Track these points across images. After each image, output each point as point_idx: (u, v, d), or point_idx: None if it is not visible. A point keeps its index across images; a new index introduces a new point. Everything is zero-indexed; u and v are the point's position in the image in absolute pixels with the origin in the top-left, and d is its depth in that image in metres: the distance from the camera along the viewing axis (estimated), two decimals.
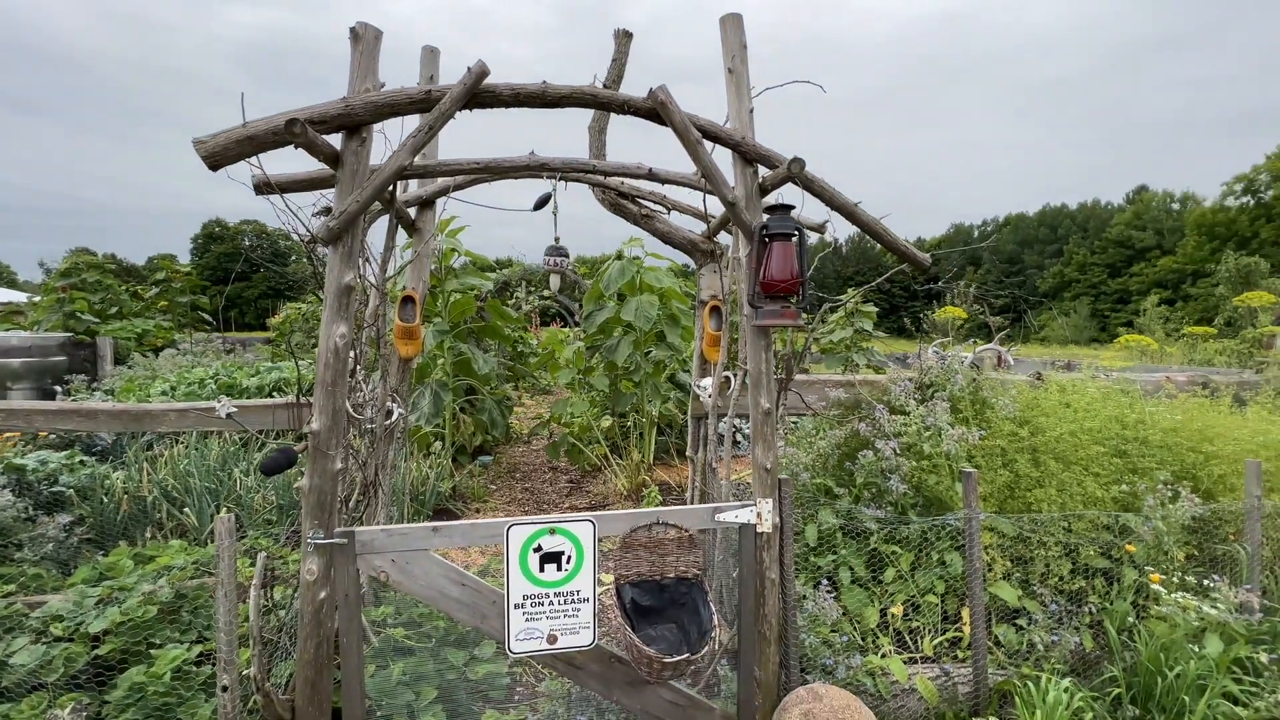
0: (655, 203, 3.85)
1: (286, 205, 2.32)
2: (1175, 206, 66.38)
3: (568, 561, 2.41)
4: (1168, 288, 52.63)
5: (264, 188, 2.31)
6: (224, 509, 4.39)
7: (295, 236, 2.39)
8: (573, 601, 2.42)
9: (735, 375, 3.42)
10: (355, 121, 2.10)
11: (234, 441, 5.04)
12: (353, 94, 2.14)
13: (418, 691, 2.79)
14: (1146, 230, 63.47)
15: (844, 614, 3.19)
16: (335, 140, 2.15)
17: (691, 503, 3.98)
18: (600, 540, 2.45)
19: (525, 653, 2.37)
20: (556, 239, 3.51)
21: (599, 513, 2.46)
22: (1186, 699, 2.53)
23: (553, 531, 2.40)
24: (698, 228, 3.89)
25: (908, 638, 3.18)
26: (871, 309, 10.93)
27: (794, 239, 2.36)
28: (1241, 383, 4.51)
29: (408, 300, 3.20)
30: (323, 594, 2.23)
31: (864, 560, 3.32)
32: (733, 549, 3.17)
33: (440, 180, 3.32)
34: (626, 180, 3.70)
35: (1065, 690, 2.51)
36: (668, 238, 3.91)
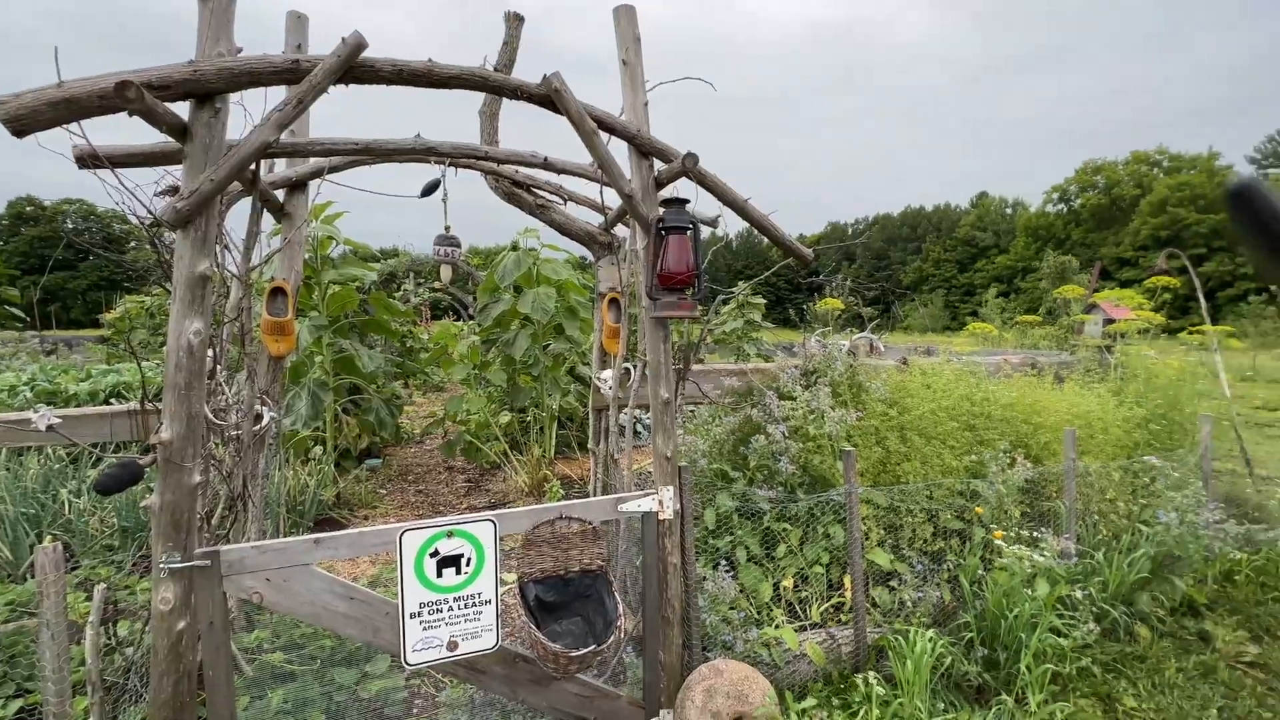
0: (551, 193, 3.78)
1: (121, 183, 2.00)
2: (1009, 211, 76.29)
3: (468, 564, 2.32)
4: (1004, 282, 60.56)
5: (90, 160, 1.98)
6: (47, 537, 3.75)
7: (134, 219, 2.07)
8: (474, 605, 2.34)
9: (635, 367, 3.46)
10: (207, 89, 1.85)
11: (59, 458, 4.32)
12: (203, 57, 1.89)
13: (302, 718, 2.57)
14: (987, 231, 72.49)
15: (741, 591, 3.36)
16: (182, 110, 1.88)
17: (594, 495, 3.99)
18: (501, 539, 2.39)
19: (424, 663, 2.26)
20: (447, 227, 3.34)
21: (500, 511, 2.40)
22: (1022, 635, 2.94)
23: (450, 534, 2.30)
24: (595, 219, 3.88)
25: (798, 608, 3.41)
26: (760, 301, 11.54)
27: (689, 233, 2.42)
28: (1060, 363, 5.30)
29: (277, 292, 2.91)
30: (181, 624, 1.98)
31: (759, 539, 3.51)
32: (636, 538, 3.23)
33: (313, 161, 3.04)
34: (521, 169, 3.62)
35: (929, 640, 2.82)
36: (564, 229, 3.86)
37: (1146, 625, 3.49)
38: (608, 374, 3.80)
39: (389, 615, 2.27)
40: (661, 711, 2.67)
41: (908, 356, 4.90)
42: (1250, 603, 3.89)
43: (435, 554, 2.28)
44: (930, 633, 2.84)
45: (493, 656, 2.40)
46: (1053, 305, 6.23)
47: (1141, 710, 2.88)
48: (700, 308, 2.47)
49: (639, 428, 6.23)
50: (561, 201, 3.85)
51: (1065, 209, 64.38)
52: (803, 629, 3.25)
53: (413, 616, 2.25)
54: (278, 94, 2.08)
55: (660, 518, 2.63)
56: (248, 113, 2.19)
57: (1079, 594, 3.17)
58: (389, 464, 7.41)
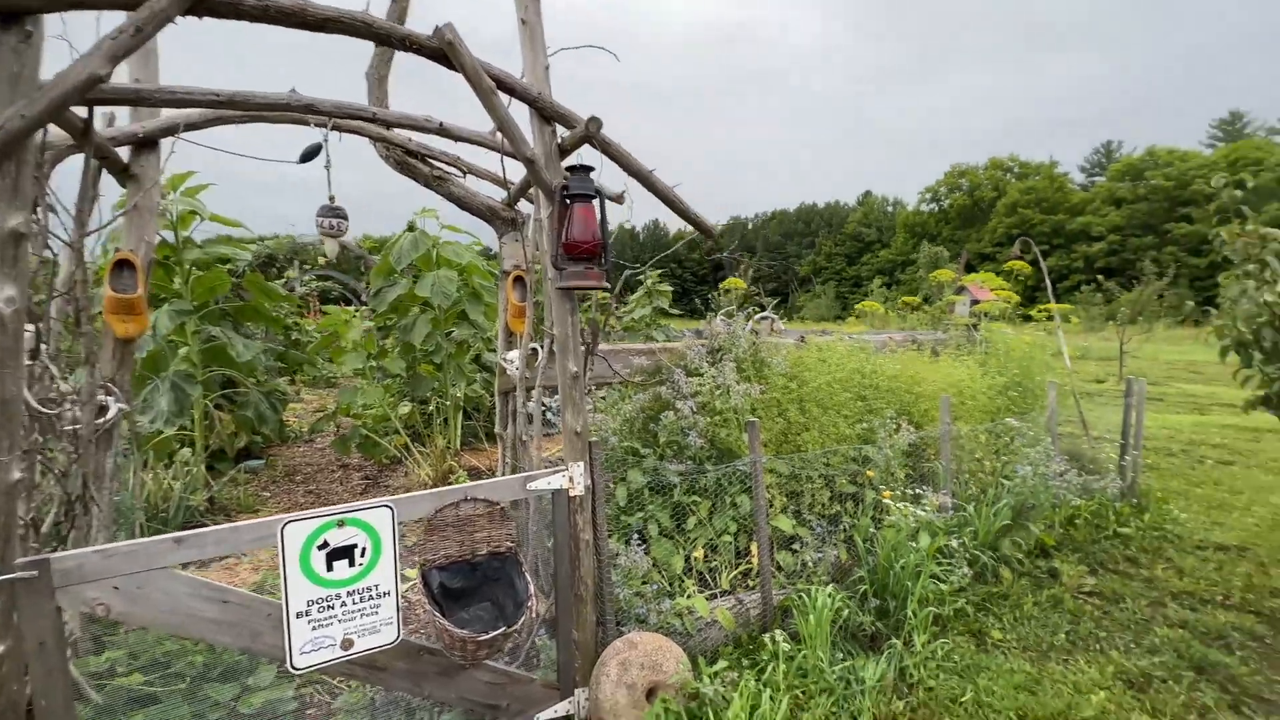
0: (448, 164, 3.58)
1: None
2: (890, 209, 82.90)
3: (362, 555, 2.15)
4: (886, 274, 65.84)
5: None
6: None
7: None
8: (371, 598, 2.17)
9: (542, 346, 3.37)
10: (12, 5, 1.55)
11: None
12: None
13: None
14: (872, 227, 78.38)
15: (654, 565, 3.40)
16: None
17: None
18: (402, 526, 2.24)
19: (313, 666, 2.07)
20: (331, 198, 3.06)
21: (399, 496, 2.24)
22: (908, 584, 3.20)
23: (342, 524, 2.12)
24: (499, 195, 3.72)
25: (709, 577, 3.50)
26: (667, 288, 11.71)
27: (595, 201, 2.37)
28: (936, 340, 5.84)
29: (124, 265, 2.53)
30: None
31: (669, 513, 3.56)
32: (548, 520, 3.15)
33: (165, 114, 2.67)
34: (415, 137, 3.39)
35: (828, 595, 2.99)
36: (464, 203, 3.68)
37: (1008, 567, 3.93)
38: (514, 354, 3.68)
39: (272, 617, 2.06)
40: (576, 690, 2.63)
41: (805, 336, 5.16)
42: (1088, 542, 4.50)
43: (324, 546, 2.10)
44: (829, 589, 3.02)
45: (394, 652, 2.25)
46: (929, 291, 6.84)
47: (1006, 641, 3.24)
48: (607, 281, 2.43)
49: (548, 415, 6.11)
50: (461, 174, 3.65)
51: (937, 208, 71.07)
52: (713, 597, 3.34)
53: (300, 616, 2.05)
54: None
55: (571, 494, 2.58)
56: (75, 50, 1.87)
57: (954, 543, 3.51)
58: (274, 465, 6.76)
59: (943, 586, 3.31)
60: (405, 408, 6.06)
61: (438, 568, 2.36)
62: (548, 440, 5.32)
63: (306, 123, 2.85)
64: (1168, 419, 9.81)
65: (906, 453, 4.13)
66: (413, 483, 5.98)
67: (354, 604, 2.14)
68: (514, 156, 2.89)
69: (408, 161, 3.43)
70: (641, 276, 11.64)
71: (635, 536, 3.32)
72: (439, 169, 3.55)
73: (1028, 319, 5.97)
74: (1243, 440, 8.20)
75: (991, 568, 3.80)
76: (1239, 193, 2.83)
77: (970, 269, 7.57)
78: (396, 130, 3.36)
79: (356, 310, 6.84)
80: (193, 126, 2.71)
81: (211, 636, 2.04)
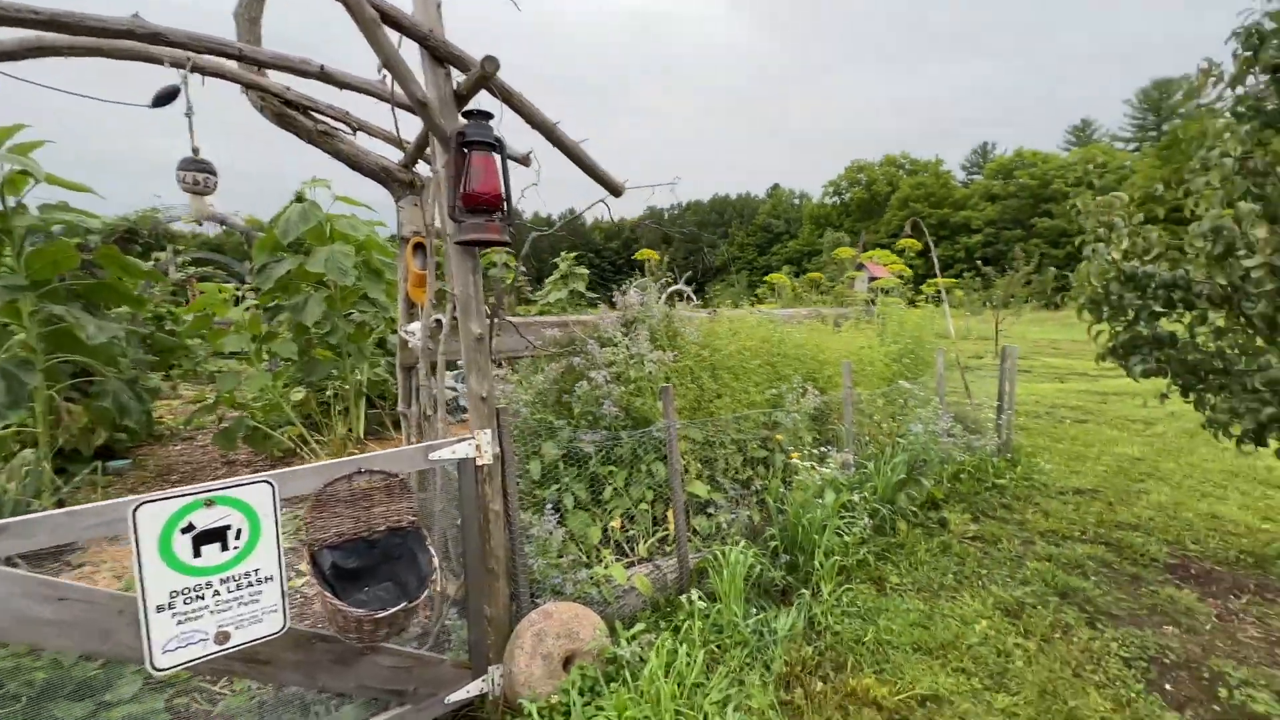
0: (336, 118, 3.29)
1: None
2: (797, 202, 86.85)
3: (237, 538, 1.94)
4: (795, 264, 69.06)
5: None
6: None
7: None
8: (250, 584, 1.96)
9: (446, 317, 3.19)
10: None
11: None
12: None
13: None
14: (780, 219, 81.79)
15: (570, 538, 3.33)
16: None
17: None
18: (290, 503, 2.03)
19: (180, 665, 1.83)
20: (195, 150, 2.72)
21: (280, 470, 2.03)
22: (815, 539, 3.35)
23: (210, 503, 1.89)
24: (395, 157, 3.47)
25: (626, 546, 3.48)
26: (584, 271, 11.59)
27: (495, 151, 2.25)
28: (839, 314, 6.16)
29: None
30: None
31: (585, 484, 3.50)
32: (456, 495, 3.00)
33: None
34: (296, 84, 3.08)
35: (741, 553, 3.06)
36: (355, 163, 3.39)
37: (904, 519, 4.22)
38: (415, 326, 3.47)
39: (125, 614, 1.80)
40: (490, 668, 2.53)
41: (717, 310, 5.25)
42: (971, 493, 4.92)
43: (190, 529, 1.86)
44: (741, 544, 3.09)
45: (281, 642, 2.04)
46: (833, 273, 7.22)
47: (903, 585, 3.47)
48: (509, 238, 2.31)
49: (459, 398, 5.87)
50: (350, 130, 3.37)
51: (839, 201, 75.33)
52: (631, 565, 3.33)
53: (162, 609, 1.81)
54: None
55: (478, 463, 2.46)
56: None
57: (856, 499, 3.71)
58: (144, 464, 6.03)
59: (846, 539, 3.49)
60: (298, 394, 5.58)
61: (330, 547, 2.17)
62: (461, 428, 5.10)
63: (159, 60, 2.50)
64: (1034, 388, 10.96)
65: (813, 416, 4.32)
66: None
67: (229, 593, 1.92)
68: (405, 107, 2.69)
69: (286, 114, 3.11)
70: (557, 259, 11.45)
71: (550, 510, 3.24)
72: (324, 124, 3.25)
73: (919, 292, 6.44)
74: (1094, 402, 9.31)
75: (889, 520, 4.06)
76: (1089, 191, 3.16)
77: (868, 248, 8.04)
78: (273, 77, 3.05)
79: (238, 289, 6.17)
80: (7, 55, 2.29)
81: (50, 641, 1.76)
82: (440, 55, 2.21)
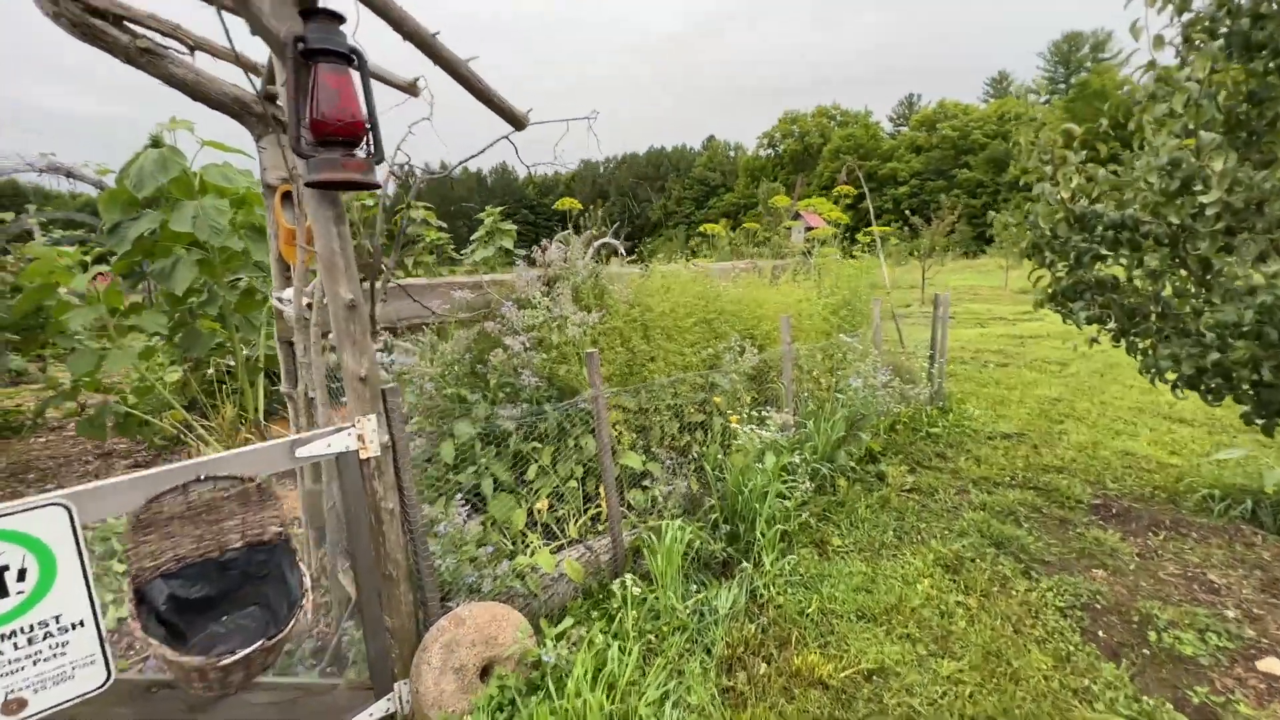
0: (166, 33, 2.63)
1: None
2: (732, 154, 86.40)
3: (21, 580, 1.48)
4: (731, 216, 69.19)
5: None
6: None
7: None
8: (48, 636, 1.52)
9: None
10: None
11: None
12: None
13: None
14: (716, 171, 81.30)
15: (493, 524, 3.00)
16: None
17: None
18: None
19: None
20: None
21: (80, 488, 1.57)
22: (756, 506, 3.16)
23: None
24: (249, 85, 2.84)
25: (556, 528, 3.19)
26: (511, 228, 10.88)
27: (352, 66, 1.76)
28: (776, 267, 5.95)
29: None
30: None
31: (508, 464, 3.15)
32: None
33: None
34: None
35: (678, 529, 2.83)
36: (197, 91, 2.75)
37: (844, 476, 4.13)
38: (289, 293, 2.93)
39: None
40: (397, 685, 2.20)
41: (649, 265, 4.90)
42: (907, 444, 4.92)
43: None
44: (678, 523, 2.86)
45: (106, 698, 1.62)
46: (770, 223, 6.99)
47: (845, 547, 3.37)
48: (375, 175, 1.84)
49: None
50: (186, 50, 2.71)
51: (773, 153, 75.46)
52: (561, 548, 3.05)
53: None
54: None
55: (363, 456, 2.05)
56: None
57: (797, 459, 3.54)
58: None
59: (788, 504, 3.33)
60: (174, 373, 4.86)
61: (167, 575, 1.74)
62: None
63: None
64: (959, 333, 11.35)
65: (751, 376, 4.11)
66: None
67: (17, 650, 1.48)
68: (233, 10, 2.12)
69: (90, 24, 2.43)
70: (481, 215, 10.68)
71: (460, 497, 2.88)
72: (148, 40, 2.59)
73: (854, 242, 6.32)
74: (1013, 346, 9.71)
75: (830, 479, 3.96)
76: (1030, 125, 2.95)
77: (804, 198, 7.84)
78: None
79: (86, 251, 5.22)
80: None
81: None
82: None
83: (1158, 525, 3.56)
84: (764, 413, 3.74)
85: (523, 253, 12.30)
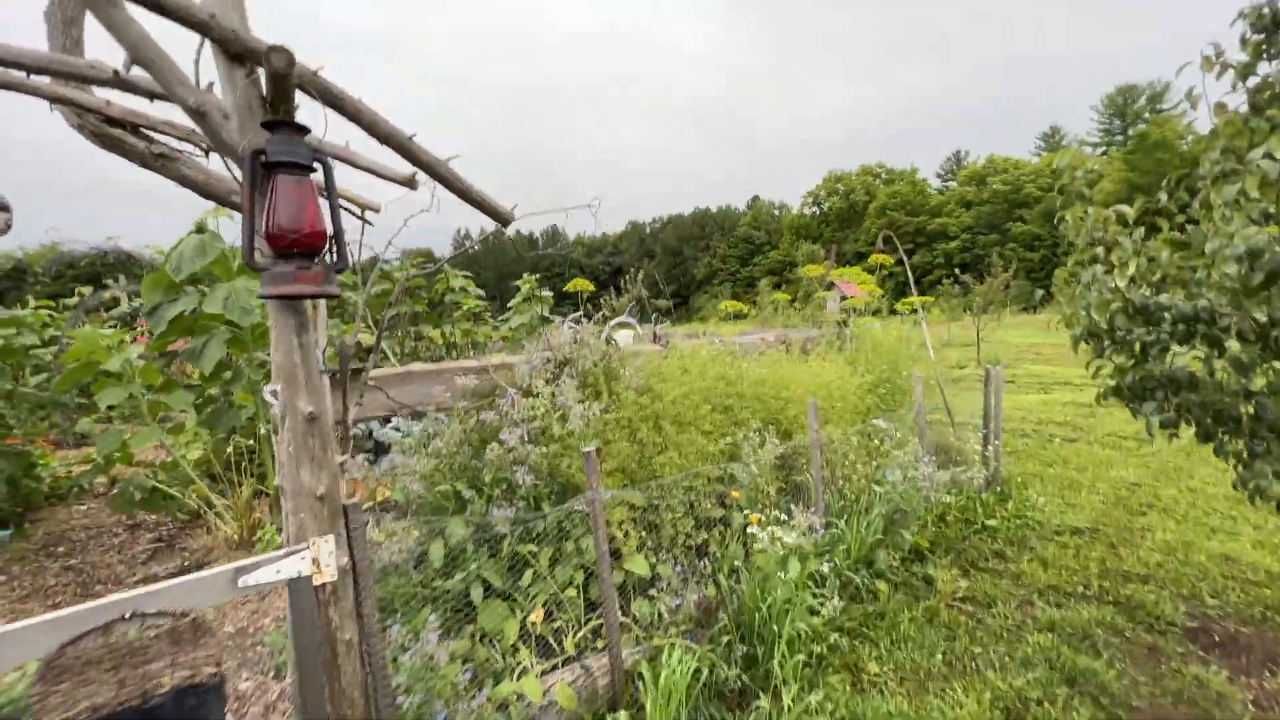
0: (181, 137, 2.72)
1: None
2: (777, 213, 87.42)
3: None
4: (776, 274, 69.19)
5: None
6: None
7: None
8: None
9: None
10: None
11: None
12: None
13: None
14: (761, 230, 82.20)
15: (482, 637, 2.74)
16: None
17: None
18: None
19: None
20: None
21: None
22: (776, 627, 2.78)
23: None
24: None
25: (552, 640, 2.89)
26: (548, 295, 11.04)
27: (318, 174, 1.69)
28: (807, 338, 5.65)
29: None
30: None
31: (503, 567, 2.92)
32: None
33: None
34: (117, 98, 2.51)
35: (682, 654, 2.49)
36: (209, 191, 2.80)
37: (884, 580, 3.67)
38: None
39: None
40: None
41: (669, 339, 4.72)
42: (959, 539, 4.40)
43: None
44: (678, 652, 2.52)
45: None
46: (807, 287, 6.76)
47: (883, 674, 2.91)
48: (334, 285, 1.74)
49: (375, 439, 5.24)
50: (201, 152, 2.80)
51: (818, 211, 75.87)
52: (556, 667, 2.74)
53: None
54: None
55: (318, 581, 1.86)
56: None
57: (825, 567, 3.15)
58: (30, 533, 5.33)
59: (815, 620, 2.93)
60: (196, 451, 4.92)
61: None
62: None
63: None
64: (1019, 400, 10.56)
65: (777, 465, 3.78)
66: (217, 541, 4.88)
67: None
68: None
69: (110, 135, 2.53)
70: (519, 281, 10.90)
71: (455, 604, 2.64)
72: (163, 146, 2.68)
73: (894, 313, 5.98)
74: (1082, 416, 8.90)
75: (866, 586, 3.51)
76: (1079, 204, 2.67)
77: (845, 262, 7.59)
78: (92, 90, 2.48)
79: (133, 330, 5.50)
80: None
81: None
82: (233, 51, 1.66)
83: (1273, 660, 2.94)
84: (789, 509, 3.39)
85: (556, 320, 12.39)
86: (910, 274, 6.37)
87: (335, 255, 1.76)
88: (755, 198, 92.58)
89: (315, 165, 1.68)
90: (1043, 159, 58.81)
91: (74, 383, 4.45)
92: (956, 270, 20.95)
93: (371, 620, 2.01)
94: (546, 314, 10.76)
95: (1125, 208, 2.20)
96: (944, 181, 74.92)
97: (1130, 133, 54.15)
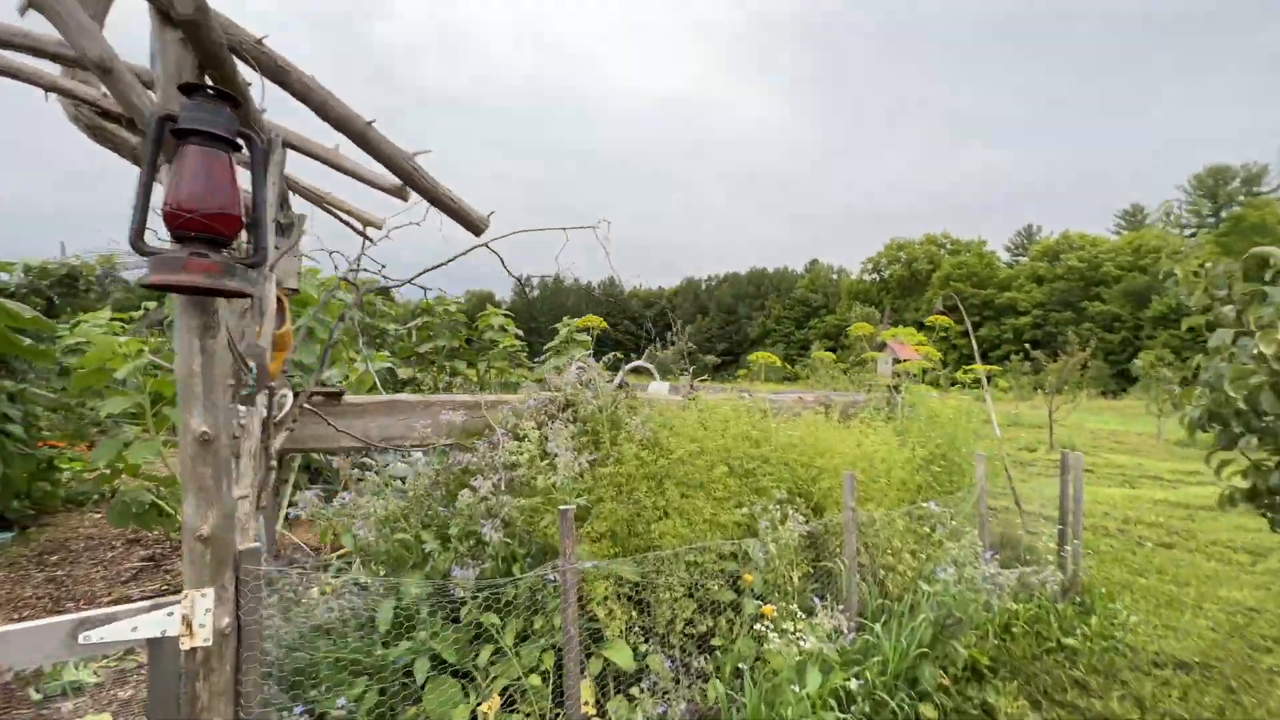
0: None
1: None
2: (835, 276, 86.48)
3: None
4: (832, 338, 67.66)
5: None
6: None
7: None
8: None
9: (287, 391, 2.36)
10: None
11: None
12: None
13: None
14: (818, 293, 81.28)
15: None
16: None
17: None
18: None
19: None
20: None
21: None
22: None
23: None
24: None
25: None
26: (586, 339, 10.83)
27: (237, 151, 1.43)
28: (851, 402, 5.08)
29: None
30: None
31: (464, 638, 2.48)
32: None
33: None
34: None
35: None
36: None
37: (930, 703, 2.97)
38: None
39: None
40: None
41: (698, 392, 4.28)
42: (1028, 659, 3.61)
43: None
44: None
45: None
46: (859, 352, 6.22)
47: None
48: (248, 281, 1.44)
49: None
50: None
51: (878, 277, 74.47)
52: None
53: None
54: None
55: (186, 646, 1.49)
56: None
57: (854, 684, 2.53)
58: (34, 537, 5.27)
59: None
60: None
61: None
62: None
63: None
64: (1101, 492, 9.36)
65: (805, 545, 3.21)
66: None
67: None
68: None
69: (102, 127, 2.44)
70: (557, 325, 10.78)
71: (399, 680, 2.21)
72: None
73: (954, 382, 5.34)
74: (1178, 518, 7.72)
75: (907, 711, 2.83)
76: (1195, 254, 2.14)
77: (895, 324, 7.01)
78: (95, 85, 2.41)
79: (159, 336, 5.57)
80: None
81: None
82: (160, 7, 1.45)
83: None
84: (815, 601, 2.81)
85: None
86: (975, 342, 5.74)
87: (253, 249, 1.47)
88: (814, 261, 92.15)
89: (239, 142, 1.42)
90: (1123, 237, 55.92)
91: (84, 387, 4.42)
92: (1027, 346, 19.60)
93: (253, 702, 1.60)
94: (648, 365, 10.50)
95: (1272, 249, 1.66)
96: (1014, 255, 72.36)
97: (1223, 215, 50.93)
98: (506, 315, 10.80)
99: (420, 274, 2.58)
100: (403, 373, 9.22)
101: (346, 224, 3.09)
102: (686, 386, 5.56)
